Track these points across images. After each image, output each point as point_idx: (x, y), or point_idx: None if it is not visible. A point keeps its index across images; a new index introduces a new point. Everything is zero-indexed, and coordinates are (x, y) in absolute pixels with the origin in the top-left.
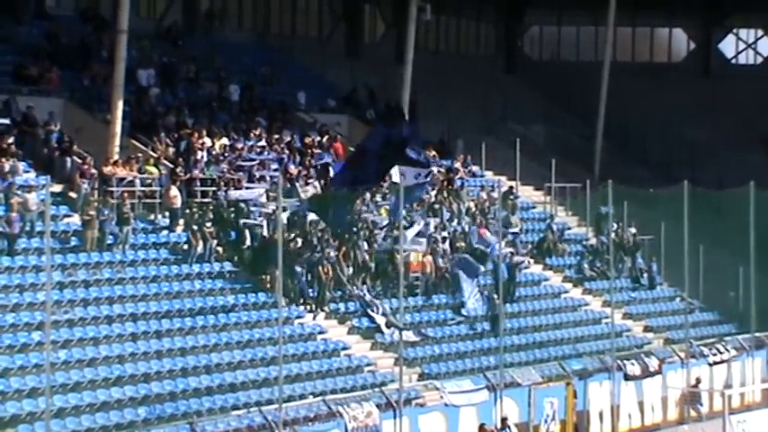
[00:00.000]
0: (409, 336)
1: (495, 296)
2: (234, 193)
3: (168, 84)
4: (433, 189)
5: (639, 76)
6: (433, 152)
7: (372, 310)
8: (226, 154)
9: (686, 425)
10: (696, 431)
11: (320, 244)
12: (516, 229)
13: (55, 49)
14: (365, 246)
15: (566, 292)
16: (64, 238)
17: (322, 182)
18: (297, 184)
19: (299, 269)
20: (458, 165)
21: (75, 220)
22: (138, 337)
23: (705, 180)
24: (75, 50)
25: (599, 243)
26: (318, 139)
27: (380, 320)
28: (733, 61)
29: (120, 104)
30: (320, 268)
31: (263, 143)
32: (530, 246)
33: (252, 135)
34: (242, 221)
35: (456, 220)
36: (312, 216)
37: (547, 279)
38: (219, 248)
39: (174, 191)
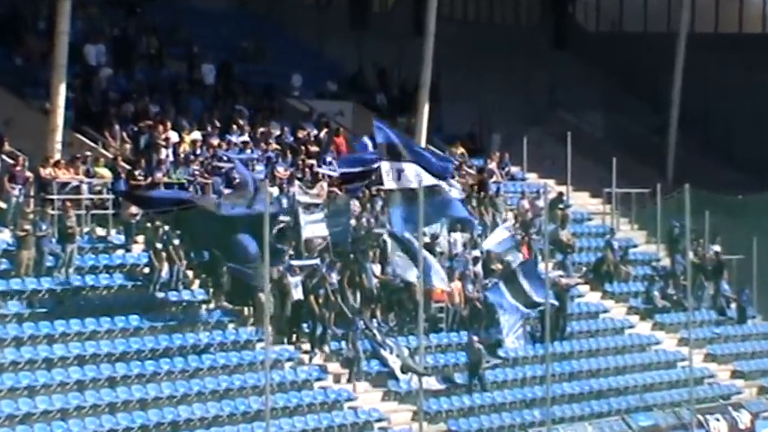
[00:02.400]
0: (431, 383)
1: (475, 338)
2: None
3: (123, 63)
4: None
5: (725, 50)
6: (461, 149)
7: (384, 351)
8: (197, 152)
9: None
10: None
11: (319, 266)
12: (566, 243)
13: None
14: (375, 269)
15: (631, 327)
16: None
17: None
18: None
19: (292, 298)
20: (492, 165)
21: (6, 236)
22: (86, 386)
23: None
24: (4, 21)
25: (673, 265)
26: (315, 132)
27: (395, 363)
28: None
29: (63, 89)
30: (318, 297)
31: (245, 138)
32: (584, 268)
33: (231, 128)
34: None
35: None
36: (311, 230)
37: (606, 311)
38: (189, 272)
39: (124, 204)
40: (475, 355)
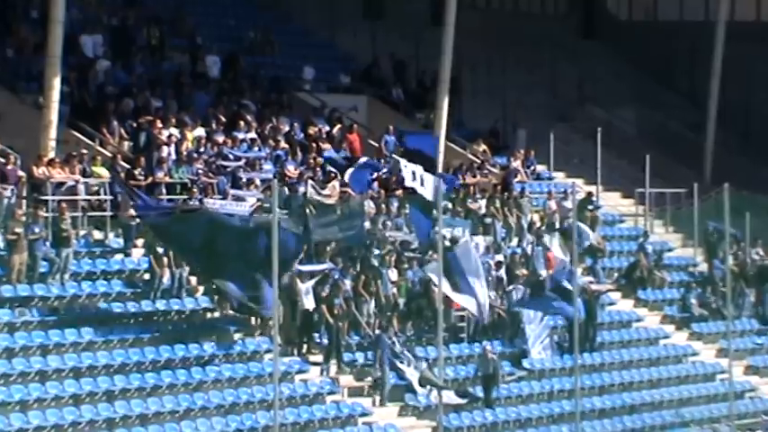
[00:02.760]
0: (451, 397)
1: (488, 346)
2: (213, 204)
3: (122, 54)
4: (482, 197)
5: (766, 40)
6: (484, 147)
7: (401, 362)
8: (201, 150)
9: None
10: None
11: (332, 271)
12: (596, 247)
13: None
14: (392, 274)
15: (666, 337)
16: None
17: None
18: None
19: (302, 305)
20: (517, 163)
21: None
22: (83, 400)
23: None
24: None
25: (711, 270)
26: (327, 129)
27: (412, 376)
28: None
29: (57, 83)
30: (332, 306)
31: (252, 135)
32: (616, 274)
33: (237, 124)
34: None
35: (515, 239)
36: (322, 233)
37: (640, 319)
38: (193, 278)
39: (122, 201)
40: (488, 367)
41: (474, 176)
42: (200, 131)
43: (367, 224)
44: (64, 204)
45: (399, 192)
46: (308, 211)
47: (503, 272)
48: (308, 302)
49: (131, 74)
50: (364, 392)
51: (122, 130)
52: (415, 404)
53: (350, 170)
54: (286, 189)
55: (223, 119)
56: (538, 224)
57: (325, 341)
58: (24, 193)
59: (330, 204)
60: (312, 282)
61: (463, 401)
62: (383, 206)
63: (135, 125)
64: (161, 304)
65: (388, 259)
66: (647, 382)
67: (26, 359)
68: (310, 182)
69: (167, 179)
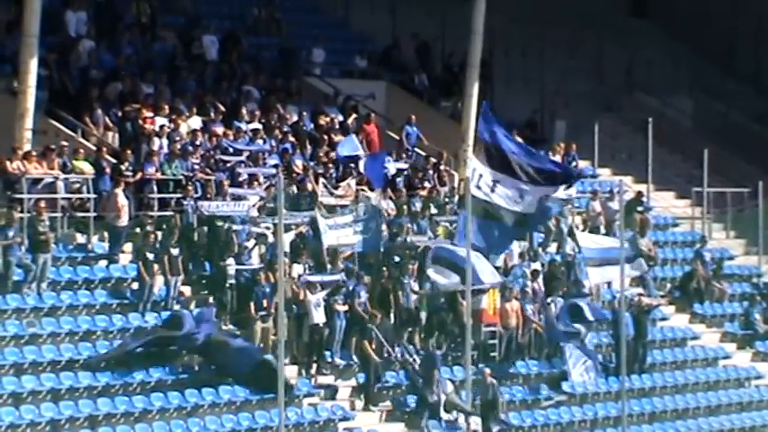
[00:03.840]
0: (480, 423)
1: (487, 370)
2: (210, 204)
3: (108, 34)
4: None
5: None
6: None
7: (424, 384)
8: (197, 142)
9: None
10: None
11: (345, 281)
12: (647, 253)
13: None
14: (413, 285)
15: (726, 357)
16: None
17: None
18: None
19: (312, 320)
20: (557, 158)
21: None
22: (61, 426)
23: None
24: None
25: None
26: (341, 119)
27: (436, 400)
28: None
29: (34, 66)
30: (343, 319)
31: (255, 125)
32: (669, 285)
33: (238, 113)
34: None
35: (554, 245)
36: (334, 237)
37: (696, 337)
38: (187, 288)
39: (117, 199)
40: (487, 393)
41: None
42: (196, 121)
43: (384, 228)
44: (41, 204)
45: (423, 191)
46: (318, 213)
47: (540, 282)
48: (318, 316)
49: (118, 55)
50: (383, 419)
51: (108, 120)
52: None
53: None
54: (294, 187)
55: (222, 107)
56: (581, 228)
57: (338, 360)
58: None
59: (345, 205)
60: (323, 293)
61: (495, 428)
62: (404, 207)
63: (121, 114)
64: (151, 317)
65: (410, 268)
66: (705, 409)
67: None
68: (322, 180)
69: (158, 175)
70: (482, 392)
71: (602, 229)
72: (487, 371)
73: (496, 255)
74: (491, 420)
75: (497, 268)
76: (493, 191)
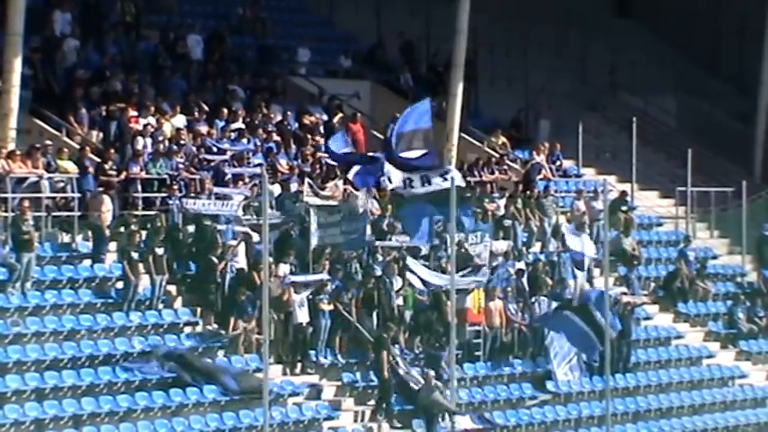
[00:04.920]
0: (466, 423)
1: (431, 372)
2: (195, 202)
3: (93, 33)
4: (501, 196)
5: None
6: (503, 139)
7: (409, 383)
8: (182, 142)
9: None
10: None
11: (329, 281)
12: (630, 254)
13: None
14: (397, 284)
15: (710, 356)
16: None
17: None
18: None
19: (295, 319)
20: (540, 158)
21: None
22: (46, 426)
23: None
24: None
25: (763, 281)
26: (325, 118)
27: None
28: None
29: (18, 65)
30: (328, 318)
31: (239, 125)
32: (653, 284)
33: (223, 113)
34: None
35: (538, 245)
36: (322, 236)
37: (680, 336)
38: (172, 288)
39: (102, 199)
40: (428, 395)
41: (492, 173)
42: (181, 120)
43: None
44: (26, 203)
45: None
46: (306, 214)
47: (524, 281)
48: (302, 315)
49: (103, 55)
50: (366, 417)
51: (92, 119)
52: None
53: (355, 169)
54: (278, 186)
55: (206, 107)
56: (565, 228)
57: (323, 359)
58: None
59: (332, 206)
60: (307, 292)
61: (479, 427)
62: (389, 206)
63: (106, 113)
64: (136, 317)
65: (394, 267)
66: (689, 408)
67: None
68: (308, 180)
69: (143, 174)
70: (423, 396)
71: (587, 229)
72: (432, 374)
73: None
74: (434, 425)
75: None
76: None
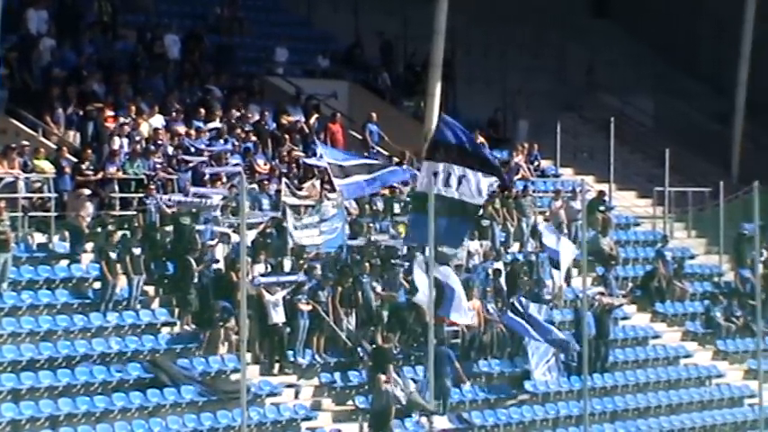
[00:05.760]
0: (443, 423)
1: (382, 376)
2: (171, 198)
3: (69, 32)
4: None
5: None
6: (481, 139)
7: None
8: (159, 142)
9: None
10: None
11: (305, 281)
12: (608, 254)
13: None
14: (375, 284)
15: (687, 356)
16: None
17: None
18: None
19: (271, 320)
20: (519, 158)
21: None
22: (22, 427)
23: None
24: None
25: (740, 280)
26: (303, 119)
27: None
28: None
29: None
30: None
31: (216, 124)
32: (630, 284)
33: (200, 113)
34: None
35: (516, 244)
36: (300, 236)
37: (658, 336)
38: (150, 288)
39: (82, 199)
40: (381, 400)
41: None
42: (158, 120)
43: (347, 227)
44: (2, 203)
45: (385, 190)
46: (289, 212)
47: (502, 281)
48: (278, 316)
49: (80, 54)
50: (348, 417)
51: (69, 119)
52: (402, 431)
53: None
54: (255, 186)
55: (184, 107)
56: (543, 228)
57: (301, 359)
58: None
59: (310, 206)
60: (283, 293)
61: (457, 426)
62: (366, 206)
63: (83, 113)
64: (113, 317)
65: (369, 266)
66: (666, 408)
67: None
68: (285, 181)
69: (120, 174)
70: (376, 401)
71: (564, 229)
72: (382, 377)
73: (454, 248)
74: (384, 430)
75: (459, 266)
76: (459, 187)
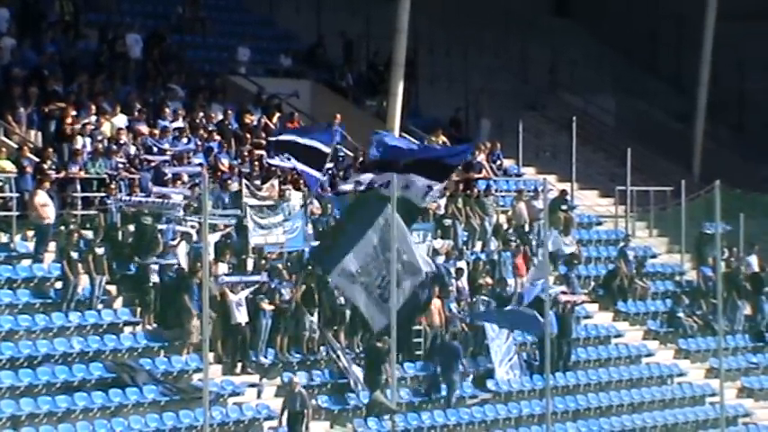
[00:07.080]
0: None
1: (295, 378)
2: (131, 199)
3: (31, 32)
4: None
5: (763, 20)
6: (443, 138)
7: (353, 383)
8: (121, 141)
9: None
10: None
11: (269, 279)
12: (570, 252)
13: None
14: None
15: (649, 354)
16: None
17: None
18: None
19: (234, 320)
20: (481, 157)
21: None
22: None
23: None
24: None
25: (701, 279)
26: (264, 119)
27: (362, 396)
28: None
29: None
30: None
31: (179, 124)
32: (593, 283)
33: (163, 112)
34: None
35: (478, 244)
36: (262, 236)
37: (620, 335)
38: (112, 287)
39: (40, 198)
40: (295, 402)
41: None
42: (121, 120)
43: (309, 227)
44: None
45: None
46: (249, 213)
47: (464, 281)
48: (241, 316)
49: (41, 54)
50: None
51: (30, 118)
52: (364, 430)
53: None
54: (218, 185)
55: (146, 106)
56: (504, 226)
57: (263, 359)
58: None
59: (271, 206)
60: (246, 292)
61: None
62: (329, 206)
63: (44, 112)
64: (75, 317)
65: None
66: (628, 406)
67: None
68: (245, 181)
69: (82, 174)
70: (289, 403)
71: (527, 228)
72: (296, 379)
73: None
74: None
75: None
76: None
